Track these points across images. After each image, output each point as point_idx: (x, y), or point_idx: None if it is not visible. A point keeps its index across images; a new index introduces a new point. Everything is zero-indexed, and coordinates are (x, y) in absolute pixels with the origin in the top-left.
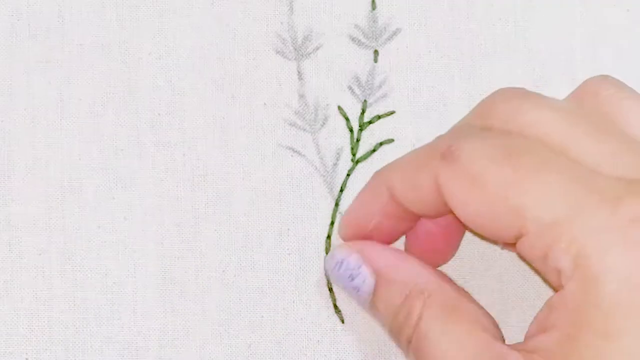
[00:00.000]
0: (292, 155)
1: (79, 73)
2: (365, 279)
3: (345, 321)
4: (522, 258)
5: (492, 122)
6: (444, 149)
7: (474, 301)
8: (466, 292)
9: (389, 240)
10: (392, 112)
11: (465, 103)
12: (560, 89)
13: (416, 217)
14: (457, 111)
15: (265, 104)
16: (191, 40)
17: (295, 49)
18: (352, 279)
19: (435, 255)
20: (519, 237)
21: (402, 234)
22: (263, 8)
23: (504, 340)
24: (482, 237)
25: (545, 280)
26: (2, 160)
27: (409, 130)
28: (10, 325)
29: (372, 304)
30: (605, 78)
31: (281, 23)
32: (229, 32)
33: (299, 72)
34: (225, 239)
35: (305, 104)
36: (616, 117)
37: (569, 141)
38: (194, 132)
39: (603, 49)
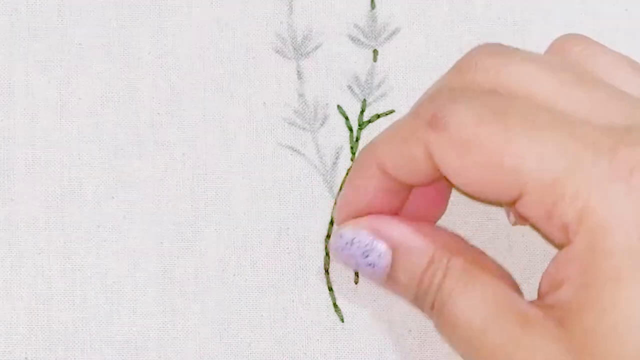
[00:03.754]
0: (291, 154)
1: (79, 72)
2: (381, 253)
3: (344, 320)
4: (521, 217)
5: (473, 81)
6: (429, 117)
7: (490, 260)
8: (482, 252)
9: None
10: (391, 111)
11: None
12: None
13: (410, 188)
14: None
15: (264, 103)
16: (191, 40)
17: (295, 49)
18: (367, 256)
19: (428, 214)
20: (518, 198)
21: (399, 208)
22: (262, 7)
23: (522, 294)
24: (481, 201)
25: (548, 239)
26: (1, 160)
27: None
28: (10, 324)
29: (390, 278)
30: (574, 36)
31: (280, 22)
32: (228, 31)
33: (298, 72)
34: (224, 238)
35: (305, 103)
36: (594, 70)
37: (556, 93)
38: (193, 131)
39: None
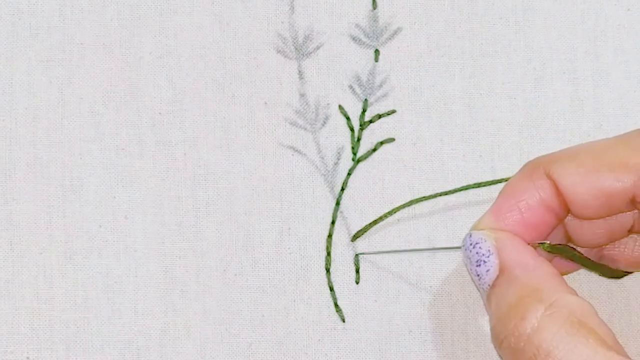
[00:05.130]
0: (292, 155)
1: (80, 72)
2: (490, 269)
3: (346, 320)
4: None
5: None
6: None
7: (598, 316)
8: (590, 306)
9: (536, 234)
10: (392, 111)
11: (465, 102)
12: (561, 89)
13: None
14: (458, 110)
15: (266, 103)
16: (192, 40)
17: (296, 49)
18: (479, 265)
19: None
20: None
21: (552, 228)
22: (264, 7)
23: (626, 355)
24: None
25: None
26: (3, 159)
27: (410, 129)
28: (12, 324)
29: (487, 296)
30: None
31: (282, 22)
32: (229, 31)
33: (299, 72)
34: (226, 238)
35: (306, 103)
36: None
37: None
38: (194, 131)
39: (604, 48)
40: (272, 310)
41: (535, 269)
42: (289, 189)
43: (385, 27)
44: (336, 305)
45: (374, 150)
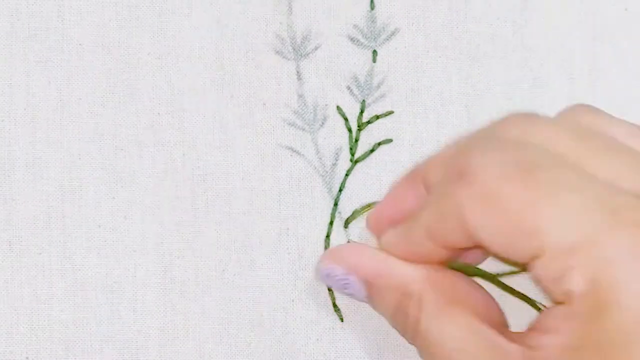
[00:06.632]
0: (291, 155)
1: (79, 73)
2: (356, 286)
3: (344, 319)
4: (534, 280)
5: (506, 135)
6: (460, 167)
7: (472, 290)
8: (465, 280)
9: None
10: (390, 112)
11: (463, 103)
12: (558, 89)
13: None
14: (455, 111)
15: (264, 103)
16: (190, 41)
17: (294, 49)
18: (345, 288)
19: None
20: (534, 259)
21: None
22: (262, 8)
23: (507, 325)
24: (502, 260)
25: (546, 293)
26: (2, 160)
27: (408, 131)
28: (11, 324)
29: (370, 304)
30: (582, 106)
31: (280, 23)
32: (228, 32)
33: (298, 72)
34: (224, 239)
35: (304, 104)
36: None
37: (586, 155)
38: (193, 131)
39: (601, 49)
40: (271, 310)
41: (395, 271)
42: (287, 189)
43: (383, 27)
44: (334, 304)
45: (372, 151)
